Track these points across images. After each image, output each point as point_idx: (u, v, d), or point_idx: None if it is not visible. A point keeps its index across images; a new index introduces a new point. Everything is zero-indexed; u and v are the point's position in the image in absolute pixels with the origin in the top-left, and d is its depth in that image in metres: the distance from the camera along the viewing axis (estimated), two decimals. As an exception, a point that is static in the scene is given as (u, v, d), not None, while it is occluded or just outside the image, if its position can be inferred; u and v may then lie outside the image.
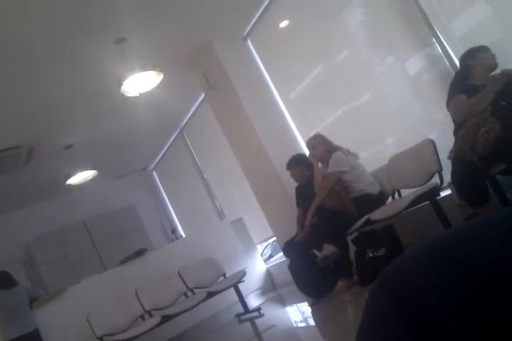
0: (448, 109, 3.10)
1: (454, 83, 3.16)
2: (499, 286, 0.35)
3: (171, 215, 9.34)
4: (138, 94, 4.74)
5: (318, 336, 3.35)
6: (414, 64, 4.15)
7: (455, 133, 3.00)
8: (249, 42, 5.48)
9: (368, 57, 4.61)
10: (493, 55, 3.11)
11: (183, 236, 7.97)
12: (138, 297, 4.95)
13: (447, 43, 3.72)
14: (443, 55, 3.77)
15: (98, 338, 4.46)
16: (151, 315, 4.79)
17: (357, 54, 4.67)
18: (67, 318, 4.83)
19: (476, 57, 3.11)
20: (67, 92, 5.02)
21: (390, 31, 4.23)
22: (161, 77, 4.62)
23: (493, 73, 3.08)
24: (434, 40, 3.79)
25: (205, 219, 8.19)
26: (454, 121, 3.07)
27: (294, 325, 4.01)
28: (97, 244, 8.30)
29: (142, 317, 4.85)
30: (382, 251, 3.62)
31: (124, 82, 4.44)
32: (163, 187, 9.43)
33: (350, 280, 3.89)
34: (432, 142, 3.41)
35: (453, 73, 3.42)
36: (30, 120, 5.32)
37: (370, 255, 3.70)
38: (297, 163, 4.46)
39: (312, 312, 3.92)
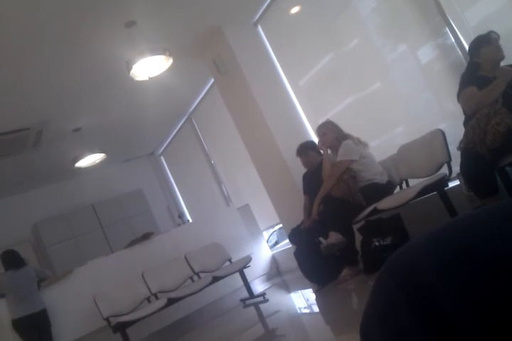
0: (458, 100, 3.08)
1: (465, 74, 3.13)
2: (503, 274, 0.36)
3: (178, 200, 9.38)
4: (147, 79, 4.73)
5: (322, 322, 3.38)
6: (426, 53, 4.11)
7: (465, 123, 2.99)
8: (259, 28, 5.44)
9: (379, 46, 4.57)
10: (497, 46, 3.03)
11: (190, 221, 8.02)
12: (144, 279, 5.00)
13: (460, 33, 3.68)
14: (456, 45, 3.73)
15: (104, 319, 4.52)
16: (157, 298, 4.85)
17: (368, 42, 4.63)
18: (74, 299, 4.90)
19: (480, 53, 3.06)
20: (77, 75, 5.02)
21: (402, 19, 4.19)
22: (170, 61, 4.61)
23: (503, 63, 3.04)
24: (447, 29, 3.76)
25: (211, 205, 8.23)
26: (465, 113, 3.05)
27: (298, 311, 4.05)
28: (104, 227, 8.37)
29: (148, 299, 4.91)
30: (388, 240, 3.63)
31: (134, 66, 4.43)
32: (170, 172, 9.46)
33: (356, 268, 3.91)
34: (442, 132, 3.40)
35: (465, 63, 3.38)
36: (38, 102, 5.33)
37: (376, 244, 3.72)
38: (308, 149, 4.46)
39: (316, 299, 3.96)
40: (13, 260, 4.84)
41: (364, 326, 0.44)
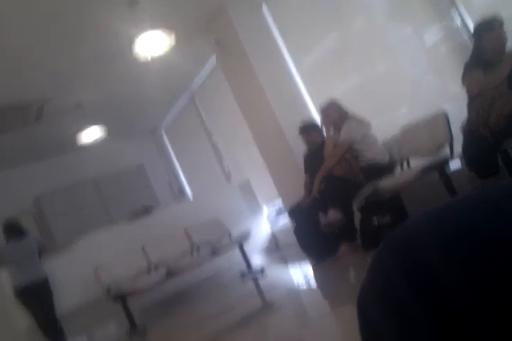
0: (463, 83, 3.08)
1: (471, 57, 3.12)
2: (503, 254, 0.36)
3: (179, 176, 9.42)
4: (149, 58, 4.72)
5: (319, 296, 3.46)
6: (432, 35, 4.10)
7: (469, 105, 3.00)
8: (264, 7, 5.38)
9: (384, 27, 4.54)
10: (500, 33, 2.98)
11: (191, 196, 8.08)
12: (145, 252, 5.08)
13: (468, 15, 3.66)
14: (462, 27, 3.72)
15: (105, 289, 4.60)
16: (157, 270, 4.93)
17: (373, 23, 4.61)
18: (75, 270, 4.97)
19: (482, 39, 3.04)
20: (79, 52, 5.00)
21: (408, 0, 4.15)
22: (173, 40, 4.58)
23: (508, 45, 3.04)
24: (453, 11, 3.73)
25: (212, 181, 8.27)
26: (469, 95, 3.06)
27: (297, 285, 4.13)
28: (105, 201, 8.43)
29: (148, 271, 4.99)
30: (387, 219, 3.68)
31: (136, 45, 4.43)
32: (172, 147, 9.47)
33: (354, 244, 3.99)
34: (445, 113, 3.42)
35: (470, 46, 3.37)
36: (40, 78, 5.32)
37: (375, 222, 3.77)
38: (310, 129, 4.48)
39: (314, 274, 4.04)
40: (15, 230, 4.89)
41: (361, 301, 0.44)
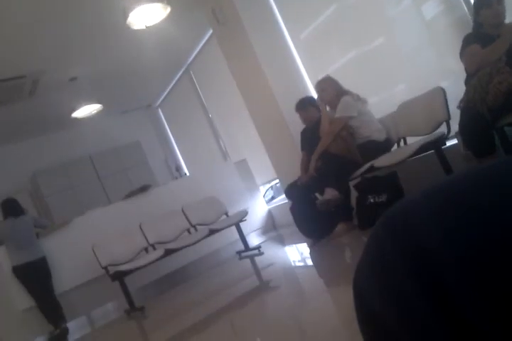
0: (461, 58, 3.01)
1: (470, 33, 3.05)
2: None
3: (176, 153, 9.38)
4: (144, 28, 4.62)
5: (315, 275, 3.47)
6: (431, 8, 3.99)
7: (466, 82, 2.95)
8: (261, -23, 5.24)
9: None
10: (498, 10, 2.90)
11: (187, 174, 8.04)
12: (142, 231, 5.08)
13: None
14: (461, 0, 3.62)
15: (103, 268, 4.62)
16: (154, 248, 4.94)
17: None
18: (72, 248, 4.98)
19: (480, 15, 2.98)
20: (73, 24, 4.91)
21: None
22: (168, 10, 4.48)
23: (507, 21, 2.96)
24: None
25: (209, 159, 8.23)
26: (467, 71, 3.00)
27: (293, 263, 4.15)
28: (102, 178, 8.42)
29: (146, 249, 5.00)
30: (383, 198, 3.66)
31: (131, 14, 4.33)
32: (168, 124, 9.40)
33: (350, 224, 3.98)
34: (443, 90, 3.36)
35: (470, 20, 3.29)
36: (35, 51, 5.24)
37: (371, 201, 3.75)
38: (307, 105, 4.41)
39: (311, 253, 4.04)
40: (13, 208, 4.88)
41: (359, 283, 0.43)
